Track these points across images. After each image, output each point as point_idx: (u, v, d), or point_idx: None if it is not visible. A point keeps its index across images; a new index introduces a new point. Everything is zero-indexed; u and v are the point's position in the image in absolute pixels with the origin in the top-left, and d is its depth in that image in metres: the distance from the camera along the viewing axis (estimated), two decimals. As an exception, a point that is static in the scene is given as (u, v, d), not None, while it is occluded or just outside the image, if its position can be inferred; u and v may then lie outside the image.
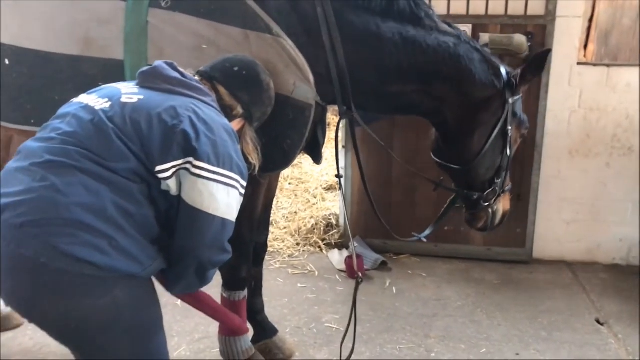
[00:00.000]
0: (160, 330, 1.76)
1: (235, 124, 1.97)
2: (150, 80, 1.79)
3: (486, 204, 2.68)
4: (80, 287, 1.53)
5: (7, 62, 2.36)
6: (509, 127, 2.56)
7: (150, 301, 1.72)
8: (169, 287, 1.85)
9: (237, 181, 1.74)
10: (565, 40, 3.78)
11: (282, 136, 2.29)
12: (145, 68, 1.85)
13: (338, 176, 2.71)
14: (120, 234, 1.56)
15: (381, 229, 4.21)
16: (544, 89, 3.83)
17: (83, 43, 2.31)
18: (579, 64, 3.84)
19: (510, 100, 2.52)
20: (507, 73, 2.52)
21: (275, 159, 2.30)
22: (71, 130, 1.64)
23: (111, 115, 1.66)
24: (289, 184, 5.50)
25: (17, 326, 3.20)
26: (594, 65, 3.84)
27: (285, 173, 5.56)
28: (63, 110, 1.76)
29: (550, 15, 3.73)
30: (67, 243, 1.49)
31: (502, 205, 2.77)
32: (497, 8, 3.80)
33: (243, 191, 1.79)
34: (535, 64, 2.49)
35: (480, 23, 3.80)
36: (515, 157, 3.85)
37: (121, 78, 2.27)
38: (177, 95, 1.75)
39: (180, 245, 1.70)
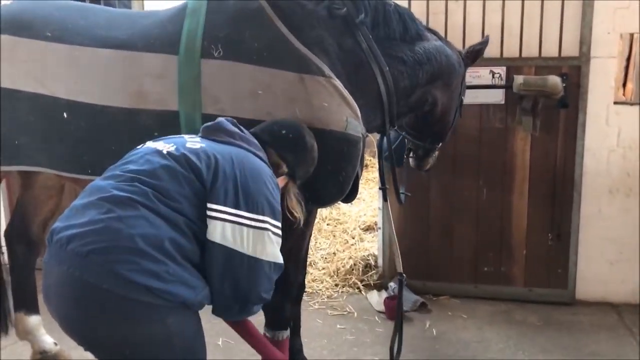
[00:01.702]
0: None
1: (280, 181, 2.11)
2: (213, 133, 2.00)
3: (434, 154, 3.33)
4: (137, 313, 1.64)
5: (65, 115, 2.50)
6: (462, 97, 3.18)
7: (198, 332, 1.82)
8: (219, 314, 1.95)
9: (275, 226, 1.88)
10: (600, 81, 3.79)
11: (338, 169, 2.41)
12: (209, 123, 2.05)
13: (382, 188, 3.06)
14: (174, 263, 1.69)
15: (419, 270, 4.24)
16: (581, 128, 3.83)
17: (137, 96, 2.43)
18: (615, 103, 3.84)
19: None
20: (461, 55, 3.05)
21: (332, 191, 2.46)
22: (138, 169, 1.80)
23: (175, 158, 1.83)
24: (327, 224, 5.55)
25: (66, 365, 3.31)
26: (631, 104, 3.83)
27: (323, 214, 5.62)
28: (131, 153, 1.94)
29: (584, 56, 3.76)
30: (128, 270, 1.61)
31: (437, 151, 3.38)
32: (531, 50, 3.86)
33: (277, 231, 1.90)
34: (475, 52, 3.12)
35: (515, 65, 3.85)
36: (553, 197, 3.90)
37: (176, 127, 2.40)
38: (235, 147, 1.95)
39: (220, 286, 1.82)
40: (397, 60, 2.64)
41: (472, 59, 3.11)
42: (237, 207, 1.79)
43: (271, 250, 1.85)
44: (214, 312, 1.93)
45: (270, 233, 1.85)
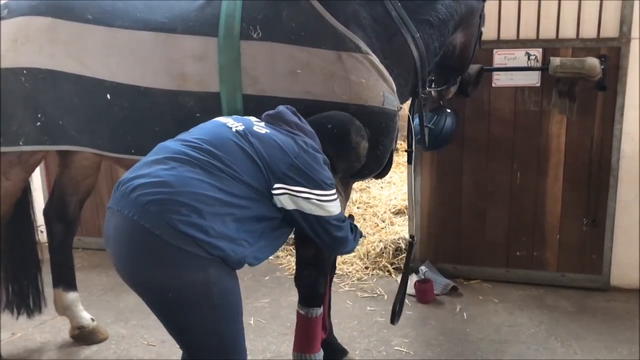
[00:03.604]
0: (240, 318, 1.98)
1: None
2: (274, 121, 2.15)
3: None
4: (182, 260, 1.81)
5: (108, 96, 2.55)
6: (481, 29, 3.13)
7: (235, 287, 1.96)
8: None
9: (333, 195, 2.13)
10: (641, 62, 3.69)
11: (376, 143, 2.45)
12: (270, 111, 2.19)
13: (408, 150, 3.02)
14: (221, 224, 1.86)
15: (451, 253, 4.23)
16: (619, 111, 3.75)
17: (179, 78, 2.47)
18: (656, 85, 3.74)
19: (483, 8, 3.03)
20: None
21: (370, 164, 2.50)
22: (207, 139, 1.99)
23: (243, 135, 2.02)
24: (357, 207, 5.56)
25: (102, 340, 3.40)
26: (672, 86, 3.73)
27: (353, 197, 5.63)
28: (202, 125, 2.13)
29: (624, 37, 3.66)
30: (179, 221, 1.79)
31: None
32: (568, 31, 3.77)
33: (336, 196, 2.15)
34: None
35: (551, 47, 3.77)
36: (589, 181, 3.83)
37: (217, 108, 2.45)
38: (295, 135, 2.10)
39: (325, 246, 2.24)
40: (424, 23, 2.64)
41: None
42: (299, 185, 2.01)
43: (331, 209, 2.11)
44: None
45: (331, 202, 2.10)
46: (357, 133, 2.28)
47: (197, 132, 2.05)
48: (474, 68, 3.42)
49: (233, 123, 2.07)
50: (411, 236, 3.07)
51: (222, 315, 1.89)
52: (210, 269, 1.84)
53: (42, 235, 3.43)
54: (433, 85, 3.23)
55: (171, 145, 2.00)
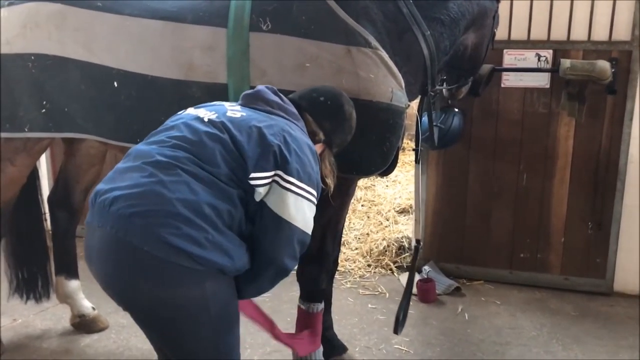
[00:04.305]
0: (237, 326, 1.89)
1: (317, 148, 2.10)
2: (253, 101, 2.01)
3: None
4: (177, 276, 1.68)
5: (115, 84, 2.54)
6: (495, 30, 3.08)
7: (232, 297, 1.85)
8: (241, 288, 1.93)
9: (314, 196, 1.91)
10: (652, 67, 3.66)
11: (382, 140, 2.43)
12: (249, 91, 2.06)
13: (416, 149, 3.05)
14: (214, 230, 1.71)
15: (454, 253, 4.21)
16: (629, 115, 3.71)
17: (187, 68, 2.46)
18: (666, 90, 3.71)
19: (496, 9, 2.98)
20: None
21: (376, 161, 2.48)
22: (181, 135, 1.83)
23: (217, 125, 1.85)
24: (362, 205, 5.54)
25: (103, 329, 3.40)
26: (682, 92, 3.70)
27: (358, 195, 5.61)
28: (173, 119, 1.97)
29: (637, 40, 3.63)
30: (170, 234, 1.64)
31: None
32: (579, 33, 3.74)
33: (314, 201, 1.93)
34: None
35: (562, 48, 3.75)
36: (596, 185, 3.81)
37: (225, 100, 2.41)
38: (275, 116, 1.95)
39: (262, 249, 1.85)
40: (435, 21, 2.61)
41: None
42: (287, 173, 1.82)
43: (304, 217, 1.87)
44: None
45: (310, 203, 1.89)
46: (348, 103, 2.21)
47: (170, 131, 1.89)
48: (485, 68, 3.39)
49: (205, 113, 1.92)
50: (417, 241, 3.06)
51: (219, 328, 1.81)
52: (207, 282, 1.72)
53: (47, 223, 3.44)
54: (444, 85, 3.21)
55: (145, 149, 1.84)
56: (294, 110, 2.04)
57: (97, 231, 1.73)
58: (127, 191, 1.70)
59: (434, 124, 3.18)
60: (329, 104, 2.15)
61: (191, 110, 1.98)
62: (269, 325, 2.36)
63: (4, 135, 2.78)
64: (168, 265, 1.66)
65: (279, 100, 2.02)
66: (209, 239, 1.69)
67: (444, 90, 3.21)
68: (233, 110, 1.94)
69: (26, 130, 2.73)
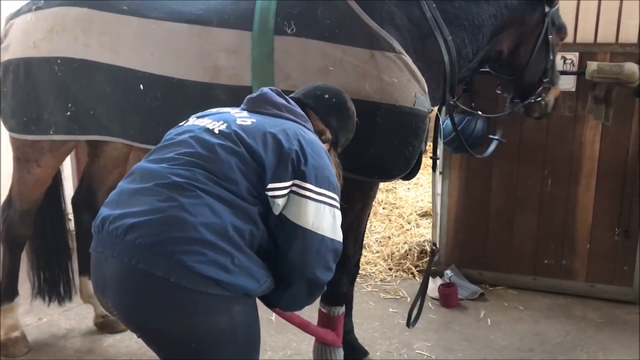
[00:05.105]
0: (259, 345, 1.84)
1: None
2: (259, 105, 1.92)
3: (539, 98, 3.06)
4: (206, 306, 1.59)
5: (141, 87, 2.56)
6: (550, 36, 2.92)
7: (256, 318, 1.79)
8: (279, 306, 1.91)
9: (337, 201, 1.84)
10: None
11: (405, 144, 2.42)
12: (253, 94, 1.99)
13: (434, 158, 3.10)
14: (239, 253, 1.63)
15: (477, 259, 4.16)
16: (657, 118, 3.65)
17: (213, 71, 2.47)
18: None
19: (549, 12, 2.85)
20: None
21: (399, 165, 2.47)
22: (193, 152, 1.72)
23: (229, 137, 1.74)
24: (383, 208, 5.51)
25: (125, 329, 3.42)
26: None
27: (379, 197, 5.59)
28: (178, 131, 1.85)
29: (666, 42, 3.56)
30: (197, 262, 1.55)
31: (552, 94, 3.13)
32: (607, 35, 3.68)
33: (338, 206, 1.85)
34: None
35: (588, 51, 3.68)
36: (623, 191, 3.73)
37: None
38: (285, 120, 1.87)
39: (290, 263, 1.77)
40: (458, 27, 2.59)
41: None
42: (305, 181, 1.74)
43: (329, 224, 1.79)
44: (270, 305, 1.91)
45: (333, 208, 1.80)
46: (350, 101, 2.15)
47: (179, 147, 1.75)
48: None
49: (214, 124, 1.80)
50: (434, 244, 3.04)
51: (244, 350, 1.74)
52: (235, 307, 1.64)
53: (71, 224, 3.48)
54: (514, 100, 3.14)
55: (155, 168, 1.71)
56: (300, 111, 1.96)
57: (111, 262, 1.62)
58: (144, 218, 1.59)
59: (456, 129, 3.16)
60: (334, 101, 2.10)
61: (196, 121, 1.87)
62: (305, 325, 2.34)
63: (30, 137, 2.82)
64: (196, 295, 1.56)
65: (285, 102, 1.94)
66: (235, 262, 1.61)
67: (520, 106, 3.13)
68: (242, 117, 1.84)
69: (51, 132, 2.77)
